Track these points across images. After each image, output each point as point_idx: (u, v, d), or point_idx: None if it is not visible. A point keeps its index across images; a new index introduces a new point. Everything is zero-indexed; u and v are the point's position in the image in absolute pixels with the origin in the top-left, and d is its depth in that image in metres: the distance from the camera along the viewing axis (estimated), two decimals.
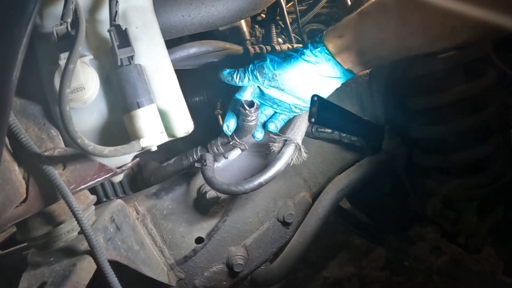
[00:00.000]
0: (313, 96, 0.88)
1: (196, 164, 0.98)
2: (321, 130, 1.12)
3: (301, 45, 1.08)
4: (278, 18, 1.22)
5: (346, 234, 1.93)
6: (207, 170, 0.94)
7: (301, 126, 0.99)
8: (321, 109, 0.86)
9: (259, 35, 1.26)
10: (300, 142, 0.97)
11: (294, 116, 1.00)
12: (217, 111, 1.15)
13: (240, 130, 0.95)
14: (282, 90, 0.92)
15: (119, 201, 0.94)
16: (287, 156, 0.95)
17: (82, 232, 0.69)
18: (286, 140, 0.96)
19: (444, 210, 1.03)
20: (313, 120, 0.87)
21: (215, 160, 1.02)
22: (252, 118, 0.90)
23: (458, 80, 0.94)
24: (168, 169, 1.08)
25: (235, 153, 1.05)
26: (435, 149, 1.02)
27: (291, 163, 0.97)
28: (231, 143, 0.98)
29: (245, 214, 1.07)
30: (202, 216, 1.05)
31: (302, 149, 0.97)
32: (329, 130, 1.11)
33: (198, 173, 1.02)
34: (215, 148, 1.01)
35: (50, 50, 0.72)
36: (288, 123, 1.01)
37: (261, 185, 0.94)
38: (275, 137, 0.97)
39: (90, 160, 0.76)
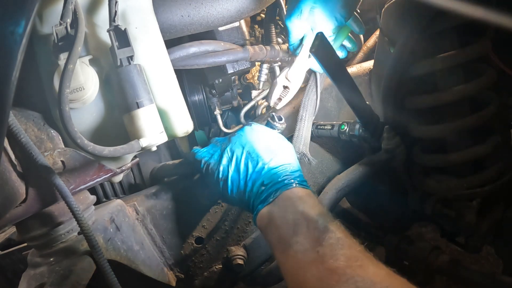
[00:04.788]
0: (318, 33, 0.86)
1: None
2: (320, 127, 1.12)
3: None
4: (277, 18, 1.22)
5: None
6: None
7: (305, 135, 1.07)
8: (322, 45, 0.85)
9: (258, 35, 1.26)
10: (303, 150, 1.07)
11: (298, 126, 1.07)
12: (217, 111, 1.15)
13: None
14: None
15: (118, 201, 0.94)
16: None
17: (82, 232, 0.69)
18: None
19: (443, 210, 1.03)
20: (313, 50, 0.85)
21: None
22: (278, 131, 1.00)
23: (457, 79, 0.94)
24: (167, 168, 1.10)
25: None
26: (434, 149, 1.02)
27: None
28: None
29: (245, 214, 1.07)
30: (202, 216, 1.05)
31: (308, 156, 1.07)
32: (329, 127, 1.11)
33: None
34: None
35: (50, 50, 0.72)
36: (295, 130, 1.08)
37: None
38: None
39: (89, 160, 0.76)
